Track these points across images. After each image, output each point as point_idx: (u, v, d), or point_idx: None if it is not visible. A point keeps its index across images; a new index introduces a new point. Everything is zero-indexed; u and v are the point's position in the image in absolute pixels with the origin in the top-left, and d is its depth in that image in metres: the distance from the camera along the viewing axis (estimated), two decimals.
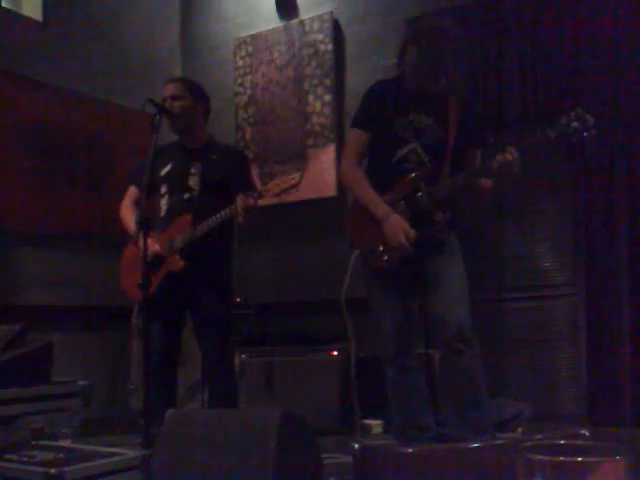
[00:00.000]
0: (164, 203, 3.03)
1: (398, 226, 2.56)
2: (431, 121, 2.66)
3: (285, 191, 2.90)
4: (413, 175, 2.62)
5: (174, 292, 2.94)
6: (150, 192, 3.12)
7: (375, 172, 2.72)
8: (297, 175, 2.92)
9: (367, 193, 2.69)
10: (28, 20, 4.36)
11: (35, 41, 4.30)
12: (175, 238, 2.94)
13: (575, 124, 2.41)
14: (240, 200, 2.81)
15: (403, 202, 2.61)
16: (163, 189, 3.04)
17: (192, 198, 3.01)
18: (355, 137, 2.79)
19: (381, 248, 2.58)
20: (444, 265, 2.63)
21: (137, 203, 3.14)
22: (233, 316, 3.77)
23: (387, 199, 2.64)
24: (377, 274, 2.70)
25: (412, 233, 2.54)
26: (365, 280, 2.72)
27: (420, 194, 2.59)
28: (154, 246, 2.89)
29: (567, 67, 3.81)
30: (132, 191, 3.17)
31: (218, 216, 2.88)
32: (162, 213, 3.06)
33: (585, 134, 2.41)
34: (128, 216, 3.12)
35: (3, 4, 4.32)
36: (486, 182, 2.65)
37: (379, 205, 2.63)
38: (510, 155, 2.44)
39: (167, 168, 3.06)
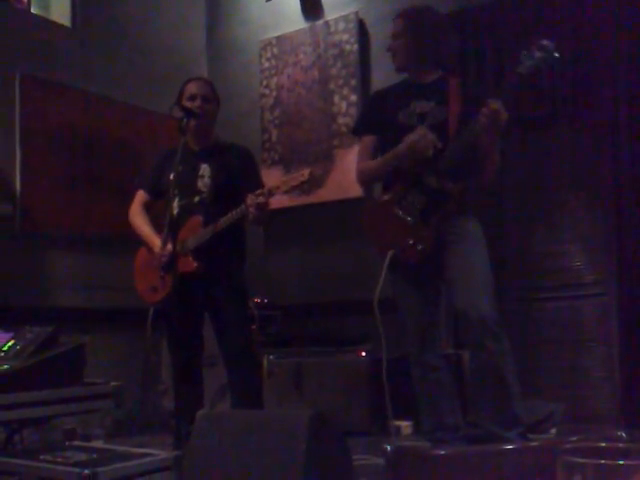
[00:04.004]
0: (175, 206, 3.03)
1: (413, 136, 2.57)
2: (433, 103, 2.69)
3: (295, 188, 2.88)
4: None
5: (189, 293, 2.96)
6: (161, 196, 3.15)
7: None
8: (306, 171, 2.87)
9: (377, 163, 2.77)
10: (57, 25, 4.43)
11: (64, 46, 4.37)
12: (187, 240, 2.95)
13: (538, 54, 2.47)
14: (250, 199, 2.82)
15: (414, 189, 2.62)
16: (173, 192, 3.04)
17: (202, 200, 3.02)
18: (361, 144, 2.87)
19: (411, 242, 2.57)
20: (465, 255, 2.61)
21: (146, 207, 3.18)
22: (253, 317, 3.79)
23: (397, 189, 2.65)
24: (403, 274, 2.68)
25: (429, 134, 2.56)
26: (392, 281, 2.71)
27: (426, 175, 2.59)
28: (168, 247, 2.92)
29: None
30: (141, 195, 3.20)
31: (229, 215, 2.89)
32: (173, 216, 3.07)
33: (551, 59, 2.49)
34: (139, 220, 3.14)
35: (32, 10, 4.40)
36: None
37: (392, 153, 2.65)
38: (494, 104, 2.46)
39: (173, 172, 3.06)
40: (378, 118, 2.79)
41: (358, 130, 2.92)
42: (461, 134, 2.59)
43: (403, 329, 2.73)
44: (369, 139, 2.82)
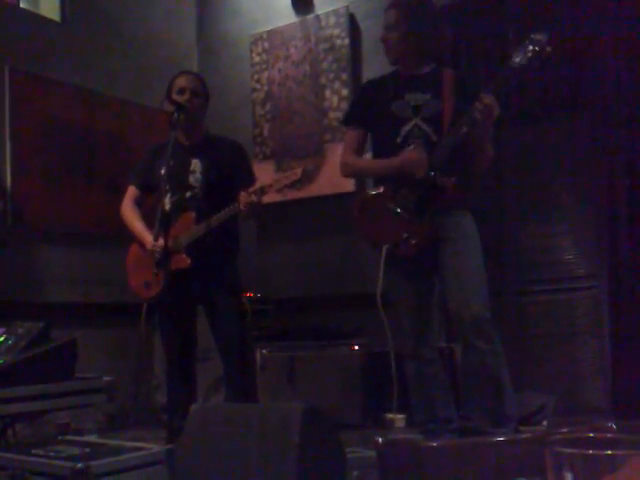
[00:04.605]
0: (167, 202, 3.03)
1: (406, 156, 2.57)
2: (428, 96, 2.68)
3: (287, 187, 2.89)
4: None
5: (182, 289, 2.96)
6: (152, 191, 3.14)
7: (384, 157, 2.73)
8: (299, 170, 2.89)
9: (369, 165, 2.82)
10: (46, 20, 4.40)
11: (53, 41, 4.34)
12: (180, 236, 2.95)
13: (531, 47, 2.46)
14: (243, 197, 2.82)
15: (407, 182, 2.59)
16: (164, 188, 3.03)
17: (194, 196, 3.01)
18: (348, 135, 2.87)
19: (405, 235, 2.57)
20: (460, 254, 2.60)
21: (138, 203, 3.17)
22: (247, 311, 3.79)
23: (390, 183, 2.64)
24: (398, 269, 2.69)
25: (424, 157, 2.56)
26: (386, 275, 2.71)
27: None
28: (160, 242, 2.92)
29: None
30: (132, 191, 3.19)
31: (222, 213, 2.89)
32: (165, 212, 3.06)
33: (544, 53, 2.47)
34: (130, 215, 3.14)
35: (21, 4, 4.37)
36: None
37: (386, 163, 2.67)
38: (487, 99, 2.46)
39: (165, 167, 3.05)
40: (370, 109, 2.78)
41: (348, 120, 2.90)
42: (453, 128, 2.58)
43: (397, 323, 2.73)
44: (356, 131, 2.82)
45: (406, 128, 2.66)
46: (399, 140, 2.66)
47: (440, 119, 2.63)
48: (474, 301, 2.53)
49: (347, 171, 2.90)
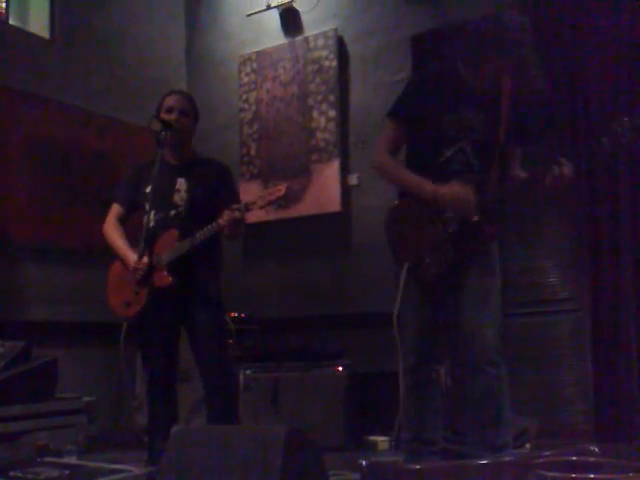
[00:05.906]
0: (151, 219, 3.00)
1: (454, 192, 2.43)
2: (482, 116, 2.53)
3: (272, 203, 2.88)
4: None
5: (164, 308, 2.94)
6: (136, 209, 3.13)
7: (419, 172, 2.56)
8: (283, 186, 2.88)
9: (408, 176, 2.57)
10: (35, 38, 4.41)
11: (42, 58, 4.34)
12: (162, 253, 2.94)
13: (628, 134, 2.34)
14: (226, 214, 2.81)
15: (452, 215, 2.49)
16: (148, 206, 3.02)
17: (178, 214, 3.01)
18: (388, 130, 2.67)
19: (427, 260, 2.51)
20: (485, 278, 2.54)
21: (121, 221, 3.16)
22: (229, 331, 3.76)
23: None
24: (413, 292, 2.59)
25: (470, 192, 2.43)
26: (403, 292, 2.58)
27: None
28: (144, 260, 2.90)
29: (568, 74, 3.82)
30: (116, 209, 3.18)
31: (205, 230, 2.88)
32: (149, 229, 3.05)
33: (637, 138, 2.35)
34: (113, 234, 3.12)
35: (10, 21, 4.37)
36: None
37: (424, 184, 2.49)
38: (565, 169, 2.37)
39: (151, 185, 3.04)
40: (420, 110, 2.57)
41: (396, 113, 2.64)
42: (520, 182, 2.49)
43: (401, 339, 2.67)
44: (399, 129, 2.63)
45: (451, 151, 2.53)
46: (441, 160, 2.53)
47: (489, 148, 2.52)
48: (488, 326, 2.49)
49: (381, 173, 2.71)
